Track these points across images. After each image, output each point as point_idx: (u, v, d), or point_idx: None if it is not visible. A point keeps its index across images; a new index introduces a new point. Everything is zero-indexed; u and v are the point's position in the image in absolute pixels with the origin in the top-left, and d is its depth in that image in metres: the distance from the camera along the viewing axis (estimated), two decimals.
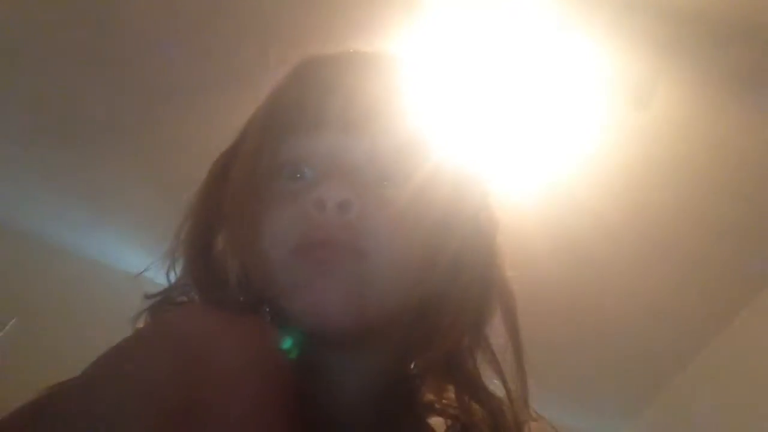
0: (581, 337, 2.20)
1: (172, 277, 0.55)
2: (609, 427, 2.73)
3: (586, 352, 2.27)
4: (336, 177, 0.50)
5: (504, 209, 0.59)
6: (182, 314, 0.49)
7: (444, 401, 0.55)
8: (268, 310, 0.49)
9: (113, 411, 0.35)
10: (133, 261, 2.17)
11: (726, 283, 2.06)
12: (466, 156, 0.57)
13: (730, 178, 1.75)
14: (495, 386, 0.54)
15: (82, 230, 2.18)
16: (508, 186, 1.70)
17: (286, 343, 0.46)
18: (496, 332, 0.54)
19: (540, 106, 1.60)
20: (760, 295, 2.08)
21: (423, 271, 0.52)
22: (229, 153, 0.58)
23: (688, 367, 2.39)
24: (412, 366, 0.55)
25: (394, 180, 0.52)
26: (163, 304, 0.54)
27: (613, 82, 1.53)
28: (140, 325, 0.52)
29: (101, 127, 1.82)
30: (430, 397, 0.55)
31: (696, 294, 2.09)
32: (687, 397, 2.42)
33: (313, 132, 0.52)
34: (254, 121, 0.57)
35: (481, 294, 0.54)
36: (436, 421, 0.55)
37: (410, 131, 0.53)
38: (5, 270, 2.04)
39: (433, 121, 0.55)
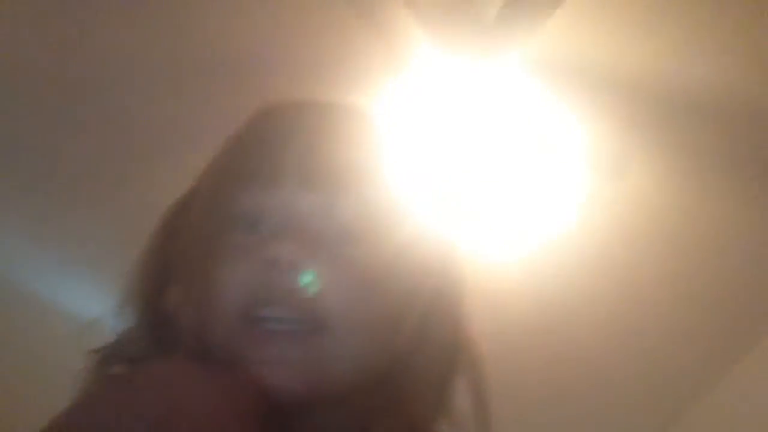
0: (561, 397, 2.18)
1: (122, 330, 0.52)
2: None
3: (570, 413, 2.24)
4: (291, 235, 0.47)
5: (477, 275, 0.58)
6: (161, 369, 0.45)
7: None
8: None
9: None
10: (97, 310, 2.12)
11: (707, 349, 2.06)
12: (435, 219, 0.55)
13: (705, 246, 1.78)
14: None
15: (48, 276, 2.13)
16: (485, 256, 1.70)
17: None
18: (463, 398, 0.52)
19: (518, 176, 1.62)
20: (741, 363, 2.08)
21: (384, 339, 0.49)
22: (181, 203, 0.55)
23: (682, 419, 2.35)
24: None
25: (355, 241, 0.49)
26: (112, 358, 0.51)
27: (591, 155, 1.55)
28: (88, 378, 0.49)
29: (76, 177, 1.81)
30: None
31: (680, 356, 2.08)
32: None
33: (271, 184, 0.49)
34: (210, 170, 0.54)
35: (445, 362, 0.52)
36: None
37: (375, 190, 0.50)
38: None
39: (400, 181, 0.53)
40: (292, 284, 0.46)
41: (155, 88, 1.63)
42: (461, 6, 1.43)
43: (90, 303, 2.12)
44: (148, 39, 1.57)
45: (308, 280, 0.46)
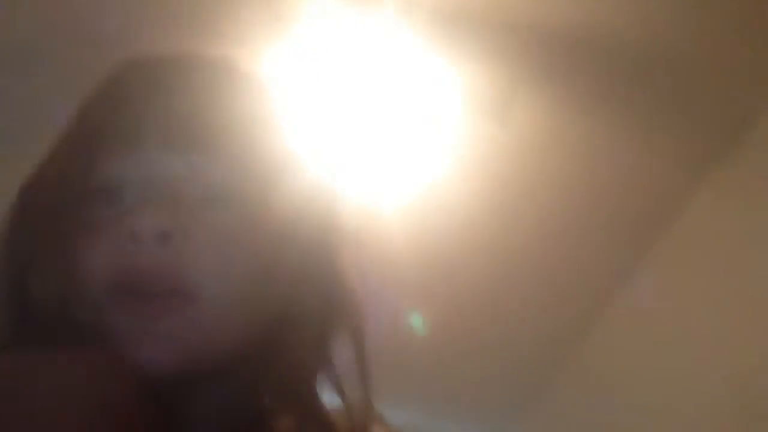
0: (451, 345, 2.24)
1: None
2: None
3: (458, 361, 2.31)
4: (152, 203, 0.44)
5: (360, 225, 0.56)
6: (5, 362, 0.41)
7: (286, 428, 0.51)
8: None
9: None
10: None
11: (588, 283, 2.16)
12: (309, 174, 0.53)
13: (586, 185, 1.85)
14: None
15: None
16: (368, 201, 1.72)
17: None
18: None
19: (399, 121, 1.62)
20: (620, 294, 2.21)
21: (258, 304, 0.47)
22: (37, 174, 0.50)
23: (565, 371, 2.48)
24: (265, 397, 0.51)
25: (221, 204, 0.46)
26: None
27: (471, 98, 1.58)
28: None
29: None
30: (274, 424, 0.51)
31: (562, 297, 2.18)
32: (567, 401, 2.52)
33: (130, 149, 0.46)
34: (64, 135, 0.50)
35: (324, 318, 0.51)
36: None
37: (242, 149, 0.48)
38: None
39: (272, 137, 0.51)
40: (157, 256, 0.43)
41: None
42: None
43: None
44: None
45: (172, 249, 0.44)
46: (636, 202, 1.93)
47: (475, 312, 2.16)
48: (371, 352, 0.52)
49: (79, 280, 0.44)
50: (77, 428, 0.37)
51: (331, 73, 1.49)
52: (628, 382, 2.20)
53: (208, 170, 0.46)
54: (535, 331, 2.27)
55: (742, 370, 1.77)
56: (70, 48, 1.53)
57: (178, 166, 0.46)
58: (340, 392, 0.51)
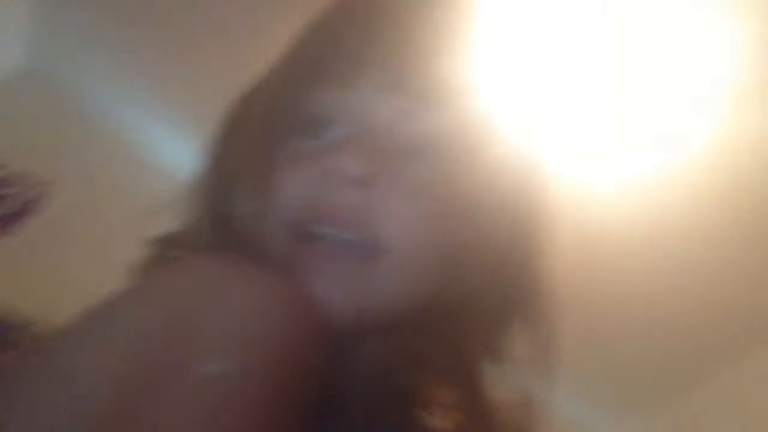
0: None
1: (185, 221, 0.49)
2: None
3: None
4: (360, 144, 0.43)
5: (576, 206, 0.50)
6: (188, 266, 0.42)
7: (442, 405, 0.49)
8: None
9: (82, 374, 0.32)
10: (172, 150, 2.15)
11: None
12: (528, 145, 0.49)
13: None
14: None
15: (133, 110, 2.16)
16: (588, 183, 1.55)
17: None
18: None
19: (646, 86, 1.42)
20: None
21: (445, 272, 0.45)
22: (250, 93, 0.50)
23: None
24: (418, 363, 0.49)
25: (432, 159, 0.44)
26: (171, 245, 0.48)
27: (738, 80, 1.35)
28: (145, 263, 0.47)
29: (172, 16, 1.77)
30: (430, 397, 0.49)
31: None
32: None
33: (345, 84, 0.44)
34: (281, 60, 0.48)
35: (507, 303, 0.48)
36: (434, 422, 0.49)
37: (467, 99, 0.44)
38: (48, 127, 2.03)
39: (498, 92, 0.47)
40: (352, 200, 0.42)
41: None
42: None
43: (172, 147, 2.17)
44: None
45: (370, 197, 0.42)
46: None
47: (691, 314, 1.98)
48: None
49: (270, 209, 0.44)
50: (264, 348, 0.36)
51: (568, 28, 1.33)
52: None
53: (422, 118, 0.44)
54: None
55: None
56: None
57: (392, 110, 0.44)
58: (506, 381, 0.48)
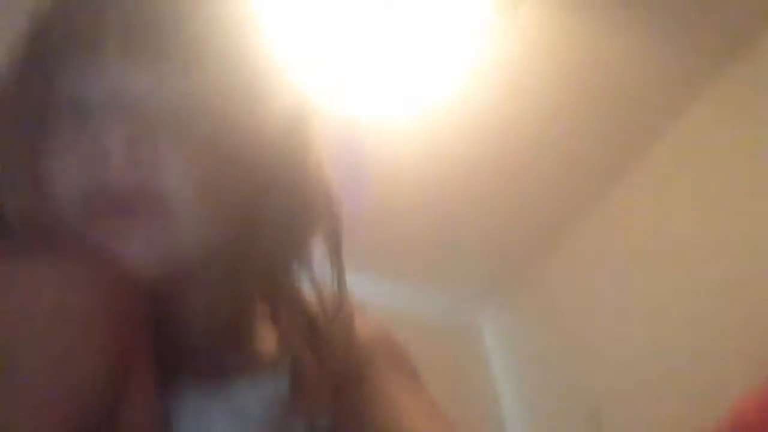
0: (449, 231, 2.29)
1: None
2: (471, 315, 2.86)
3: (445, 242, 2.36)
4: (120, 113, 0.43)
5: (367, 133, 0.56)
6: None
7: (266, 317, 0.55)
8: None
9: None
10: None
11: (582, 176, 2.22)
12: (281, 82, 0.51)
13: (592, 80, 1.86)
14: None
15: None
16: (377, 112, 1.71)
17: None
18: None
19: (408, 25, 1.60)
20: (615, 187, 2.26)
21: (231, 210, 0.48)
22: (1, 80, 0.48)
23: (549, 259, 2.53)
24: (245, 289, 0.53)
25: (188, 111, 0.45)
26: None
27: None
28: None
29: None
30: (260, 314, 0.55)
31: (560, 187, 2.22)
32: (549, 287, 2.58)
33: (89, 60, 0.43)
34: (21, 51, 0.47)
35: (293, 214, 0.51)
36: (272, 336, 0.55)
37: (209, 54, 0.45)
38: None
39: (245, 43, 0.48)
40: (128, 172, 0.43)
41: None
42: None
43: None
44: None
45: (143, 156, 0.43)
46: (641, 97, 1.94)
47: (473, 193, 2.20)
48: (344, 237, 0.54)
49: (50, 195, 0.44)
50: (84, 324, 0.38)
51: None
52: (616, 271, 2.27)
53: (174, 80, 0.44)
54: (528, 216, 2.32)
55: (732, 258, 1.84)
56: None
57: (141, 77, 0.44)
58: (314, 284, 0.53)
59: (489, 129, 1.95)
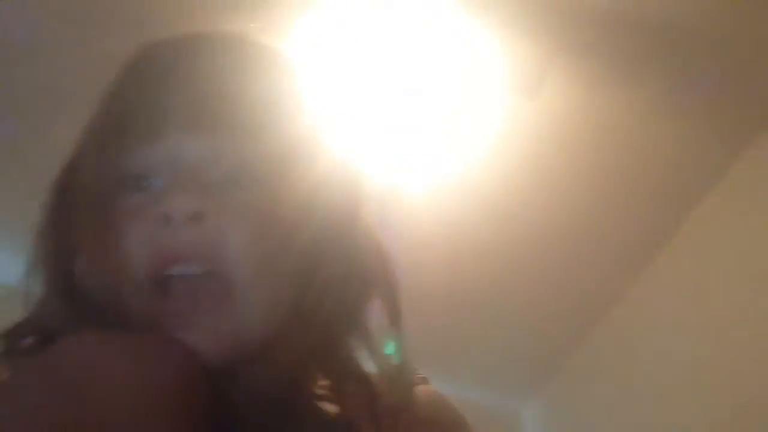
0: (479, 321, 2.27)
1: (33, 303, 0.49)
2: (510, 404, 2.84)
3: (485, 336, 2.34)
4: (182, 186, 0.45)
5: (395, 201, 0.57)
6: (73, 342, 0.42)
7: (326, 391, 0.53)
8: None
9: None
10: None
11: (617, 261, 2.16)
12: (329, 150, 0.52)
13: (625, 154, 1.84)
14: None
15: None
16: (403, 180, 1.72)
17: None
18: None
19: (431, 99, 1.61)
20: (644, 271, 2.21)
21: (288, 276, 0.48)
22: (71, 163, 0.51)
23: (584, 346, 2.49)
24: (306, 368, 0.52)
25: (245, 181, 0.47)
26: (24, 331, 0.48)
27: (504, 73, 1.57)
28: None
29: None
30: (316, 388, 0.53)
31: (590, 272, 2.18)
32: (585, 375, 2.53)
33: (154, 136, 0.46)
34: (92, 125, 0.50)
35: (353, 287, 0.51)
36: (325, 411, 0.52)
37: (263, 125, 0.47)
38: None
39: (292, 113, 0.50)
40: (190, 235, 0.44)
41: (43, 39, 1.54)
42: None
43: None
44: None
45: (206, 228, 0.45)
46: (671, 176, 1.91)
47: (500, 289, 2.17)
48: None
49: (118, 269, 0.45)
50: (151, 409, 0.38)
51: (360, 46, 1.46)
52: (644, 364, 2.20)
53: (231, 151, 0.46)
54: (559, 307, 2.28)
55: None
56: (87, 35, 1.53)
57: (201, 149, 0.46)
58: (376, 355, 0.52)
59: (514, 214, 1.94)
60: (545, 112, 1.70)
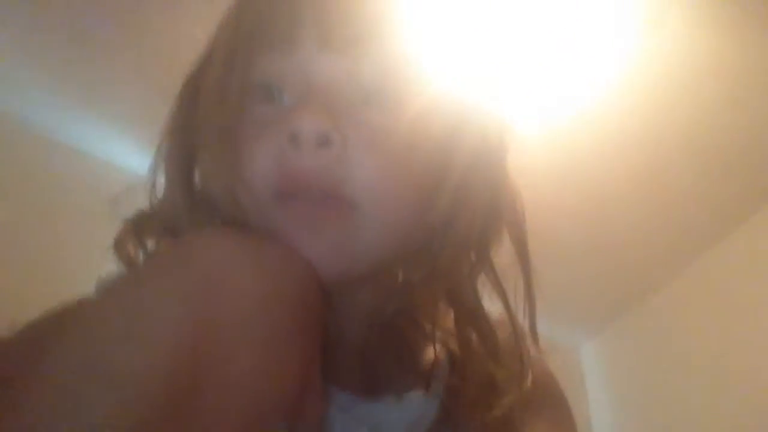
0: (559, 255, 2.23)
1: (154, 198, 0.50)
2: (572, 339, 2.84)
3: (562, 270, 2.32)
4: (312, 103, 0.43)
5: (516, 135, 0.54)
6: (205, 238, 0.41)
7: (441, 331, 0.52)
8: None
9: (118, 352, 0.31)
10: (119, 153, 2.14)
11: (715, 213, 2.08)
12: (469, 77, 0.49)
13: (741, 93, 1.71)
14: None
15: (69, 118, 2.13)
16: (521, 115, 1.67)
17: None
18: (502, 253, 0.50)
19: (551, 31, 1.53)
20: (740, 228, 2.11)
21: (420, 207, 0.46)
22: (200, 65, 0.50)
23: (656, 296, 2.45)
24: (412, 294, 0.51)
25: (382, 103, 0.44)
26: (147, 228, 0.49)
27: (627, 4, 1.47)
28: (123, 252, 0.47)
29: (97, 22, 1.74)
30: (428, 326, 0.52)
31: (683, 222, 2.10)
32: (649, 325, 2.50)
33: (288, 48, 0.45)
34: (222, 29, 0.49)
35: (486, 222, 0.49)
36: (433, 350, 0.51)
37: (403, 47, 0.45)
38: None
39: (431, 38, 0.47)
40: (317, 159, 0.42)
41: None
42: None
43: (114, 148, 2.14)
44: None
45: (333, 154, 0.43)
46: None
47: (593, 223, 2.12)
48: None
49: (244, 179, 0.44)
50: (277, 314, 0.37)
51: None
52: (715, 324, 2.15)
53: (367, 71, 0.44)
54: (645, 252, 2.23)
55: None
56: None
57: (336, 67, 0.44)
58: (503, 297, 0.50)
59: (628, 148, 1.86)
60: (664, 44, 1.59)
